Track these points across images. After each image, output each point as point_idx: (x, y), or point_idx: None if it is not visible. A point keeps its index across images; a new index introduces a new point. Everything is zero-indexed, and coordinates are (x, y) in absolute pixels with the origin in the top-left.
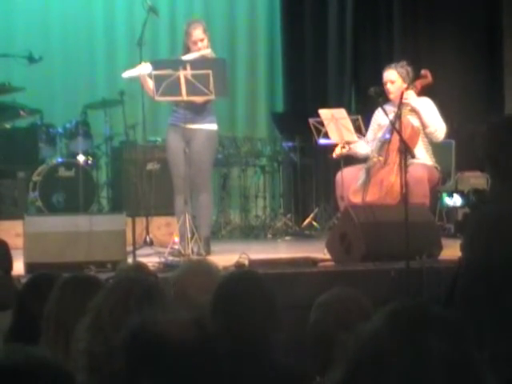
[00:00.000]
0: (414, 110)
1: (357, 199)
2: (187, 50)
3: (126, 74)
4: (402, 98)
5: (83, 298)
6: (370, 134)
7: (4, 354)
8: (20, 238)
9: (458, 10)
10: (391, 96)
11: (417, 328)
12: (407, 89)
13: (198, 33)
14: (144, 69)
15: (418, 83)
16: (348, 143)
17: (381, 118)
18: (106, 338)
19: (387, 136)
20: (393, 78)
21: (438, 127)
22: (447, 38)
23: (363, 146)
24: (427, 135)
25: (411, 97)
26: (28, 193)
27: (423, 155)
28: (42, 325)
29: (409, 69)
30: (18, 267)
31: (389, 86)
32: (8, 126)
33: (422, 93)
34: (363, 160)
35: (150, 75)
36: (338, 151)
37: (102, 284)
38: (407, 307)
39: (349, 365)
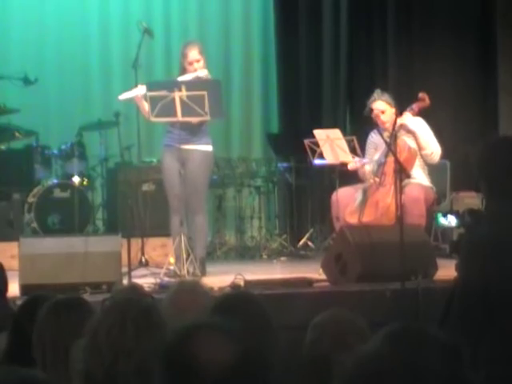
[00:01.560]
0: (410, 132)
1: (353, 220)
2: (183, 71)
3: (122, 97)
4: (395, 122)
5: (72, 321)
6: (370, 156)
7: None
8: (15, 259)
9: (452, 31)
10: (386, 125)
11: (415, 349)
12: (401, 114)
13: (193, 53)
14: (140, 91)
15: (416, 106)
16: (343, 163)
17: (376, 139)
18: (103, 359)
19: (383, 158)
20: (382, 107)
21: (434, 150)
22: (441, 59)
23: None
24: (423, 157)
25: (407, 118)
26: (23, 214)
27: (420, 175)
28: (34, 347)
29: (387, 94)
30: (14, 289)
31: (382, 118)
32: (3, 147)
33: (418, 115)
34: (359, 180)
35: (145, 97)
36: (352, 165)
37: (85, 304)
38: (405, 328)
39: None
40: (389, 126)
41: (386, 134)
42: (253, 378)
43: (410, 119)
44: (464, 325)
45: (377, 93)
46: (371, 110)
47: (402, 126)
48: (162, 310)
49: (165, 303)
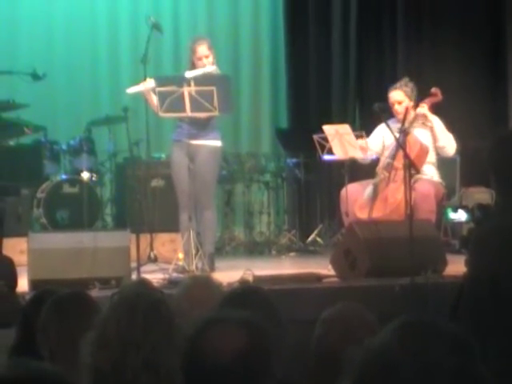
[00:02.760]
0: (426, 123)
1: (363, 215)
2: (192, 67)
3: (131, 90)
4: (406, 114)
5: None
6: (373, 141)
7: (7, 368)
8: (24, 254)
9: (462, 26)
10: (400, 116)
11: (425, 342)
12: (416, 107)
13: (202, 49)
14: (148, 84)
15: (428, 101)
16: (352, 159)
17: (386, 135)
18: (112, 353)
19: (393, 153)
20: (399, 98)
21: (450, 142)
22: (451, 54)
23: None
24: (438, 149)
25: (426, 110)
26: (32, 210)
27: (429, 171)
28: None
29: (412, 85)
30: (23, 284)
31: (397, 107)
32: (12, 142)
33: (431, 111)
34: (368, 176)
35: (154, 90)
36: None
37: (88, 298)
38: (415, 321)
39: (356, 379)
40: (402, 117)
41: (398, 126)
42: (262, 372)
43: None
44: (473, 319)
45: (401, 82)
46: (384, 104)
47: (419, 116)
48: (173, 304)
49: (177, 297)
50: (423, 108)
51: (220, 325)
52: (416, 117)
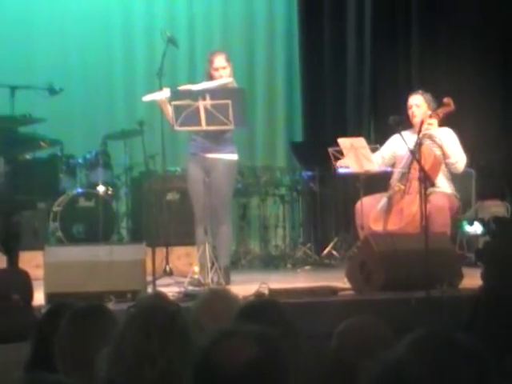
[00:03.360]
0: (435, 141)
1: (377, 227)
2: (209, 78)
3: (147, 98)
4: (421, 126)
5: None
6: (385, 151)
7: (23, 382)
8: (40, 268)
9: (476, 38)
10: (415, 120)
11: (441, 355)
12: (430, 117)
13: (219, 60)
14: (164, 94)
15: (441, 111)
16: (367, 172)
17: (399, 146)
18: (128, 366)
19: (408, 165)
20: (418, 102)
21: (459, 159)
22: (465, 66)
23: (377, 155)
24: (448, 166)
25: (434, 128)
26: (48, 223)
27: (444, 183)
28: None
29: (432, 98)
30: (39, 298)
31: (414, 109)
32: (28, 157)
33: (443, 121)
34: (383, 189)
35: (169, 103)
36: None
37: (106, 312)
38: (431, 334)
39: None
40: (417, 121)
41: (412, 138)
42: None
43: (436, 129)
44: (490, 332)
45: (422, 90)
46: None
47: (427, 136)
48: (191, 317)
49: (195, 310)
50: (429, 130)
51: (233, 338)
52: (424, 136)
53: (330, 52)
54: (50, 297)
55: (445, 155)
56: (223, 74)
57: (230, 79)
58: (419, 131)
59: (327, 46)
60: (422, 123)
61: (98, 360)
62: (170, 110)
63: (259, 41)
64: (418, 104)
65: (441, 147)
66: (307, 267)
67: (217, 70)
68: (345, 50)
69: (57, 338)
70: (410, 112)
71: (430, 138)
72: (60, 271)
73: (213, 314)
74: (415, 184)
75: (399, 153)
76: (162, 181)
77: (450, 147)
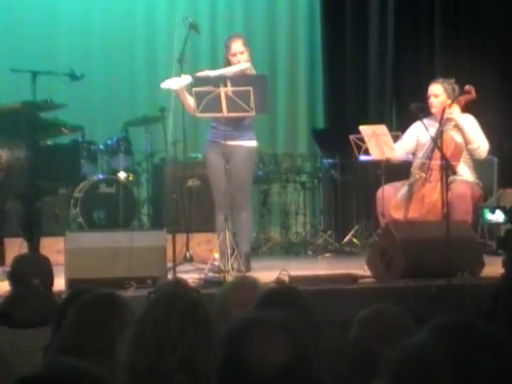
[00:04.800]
0: (457, 126)
1: (398, 215)
2: (227, 64)
3: (165, 85)
4: (443, 113)
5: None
6: (406, 139)
7: (43, 367)
8: (61, 254)
9: (500, 25)
10: (433, 110)
11: (462, 341)
12: (451, 104)
13: (237, 45)
14: (183, 81)
15: (462, 99)
16: (388, 160)
17: (421, 134)
18: (148, 352)
19: (429, 154)
20: (437, 92)
21: (481, 144)
22: (488, 54)
23: (400, 151)
24: (470, 152)
25: (455, 112)
26: (69, 209)
27: (465, 171)
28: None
29: (455, 86)
30: (59, 283)
31: (432, 100)
32: (50, 142)
33: (465, 109)
34: (404, 176)
35: (189, 91)
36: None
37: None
38: (452, 322)
39: (394, 378)
40: (435, 111)
41: (433, 125)
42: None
43: (459, 114)
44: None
45: (446, 79)
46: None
47: (450, 120)
48: (216, 303)
49: (221, 296)
50: (451, 114)
51: (262, 329)
52: (447, 120)
53: (353, 39)
54: (70, 282)
55: (466, 141)
56: (241, 59)
57: (248, 64)
58: (441, 119)
59: (349, 34)
60: (443, 111)
61: (119, 345)
62: (188, 98)
63: (281, 27)
64: (436, 94)
65: (462, 133)
66: (328, 254)
67: (234, 55)
68: (367, 38)
69: (69, 324)
70: (428, 101)
71: (452, 122)
72: (81, 257)
73: (239, 301)
74: (436, 172)
75: (421, 140)
76: (183, 167)
77: (471, 133)
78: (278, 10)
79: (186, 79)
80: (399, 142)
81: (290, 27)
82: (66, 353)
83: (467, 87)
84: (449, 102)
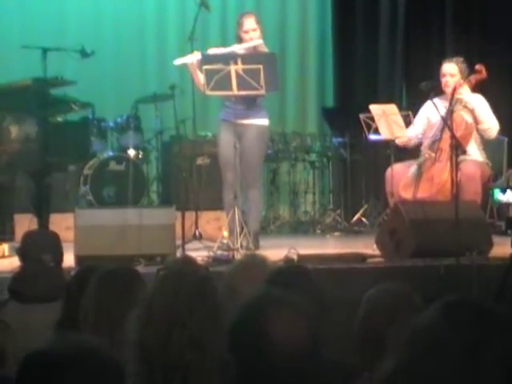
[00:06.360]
0: (467, 106)
1: (407, 194)
2: (239, 41)
3: (178, 62)
4: (454, 93)
5: (121, 290)
6: (417, 123)
7: (52, 342)
8: (70, 231)
9: (511, 6)
10: (448, 89)
11: (471, 320)
12: (462, 84)
13: (249, 22)
14: (195, 57)
15: (473, 78)
16: (397, 138)
17: (431, 113)
18: (158, 330)
19: (439, 133)
20: (453, 71)
21: (492, 125)
22: (499, 33)
23: (411, 130)
24: (480, 132)
25: (465, 92)
26: (79, 186)
27: (475, 152)
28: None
29: (465, 66)
30: (69, 260)
31: (448, 79)
32: (60, 119)
33: (475, 88)
34: (414, 156)
35: (200, 68)
36: (400, 141)
37: (135, 274)
38: (461, 300)
39: (402, 356)
40: (449, 90)
41: (444, 105)
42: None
43: (468, 94)
44: None
45: (457, 57)
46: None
47: (459, 101)
48: (225, 281)
49: (231, 274)
50: (460, 94)
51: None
52: (457, 100)
53: (363, 18)
54: (79, 259)
55: (476, 121)
56: (253, 36)
57: (260, 41)
58: (451, 99)
59: (359, 13)
60: (454, 90)
61: (128, 322)
62: (199, 76)
63: (291, 6)
64: (452, 73)
65: (472, 113)
66: (336, 233)
67: (247, 32)
68: (378, 17)
69: (84, 299)
70: (443, 80)
71: (462, 103)
72: (90, 234)
73: (248, 279)
74: (446, 152)
75: (431, 120)
76: (193, 145)
77: (481, 113)
78: None
79: (198, 55)
80: (411, 127)
81: (301, 6)
82: (81, 322)
83: (478, 66)
84: (462, 81)
